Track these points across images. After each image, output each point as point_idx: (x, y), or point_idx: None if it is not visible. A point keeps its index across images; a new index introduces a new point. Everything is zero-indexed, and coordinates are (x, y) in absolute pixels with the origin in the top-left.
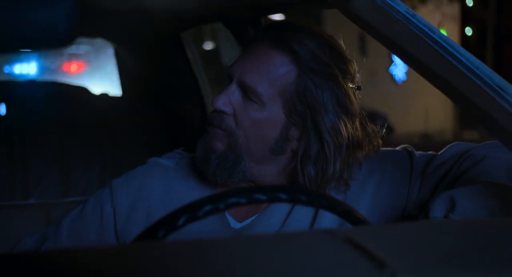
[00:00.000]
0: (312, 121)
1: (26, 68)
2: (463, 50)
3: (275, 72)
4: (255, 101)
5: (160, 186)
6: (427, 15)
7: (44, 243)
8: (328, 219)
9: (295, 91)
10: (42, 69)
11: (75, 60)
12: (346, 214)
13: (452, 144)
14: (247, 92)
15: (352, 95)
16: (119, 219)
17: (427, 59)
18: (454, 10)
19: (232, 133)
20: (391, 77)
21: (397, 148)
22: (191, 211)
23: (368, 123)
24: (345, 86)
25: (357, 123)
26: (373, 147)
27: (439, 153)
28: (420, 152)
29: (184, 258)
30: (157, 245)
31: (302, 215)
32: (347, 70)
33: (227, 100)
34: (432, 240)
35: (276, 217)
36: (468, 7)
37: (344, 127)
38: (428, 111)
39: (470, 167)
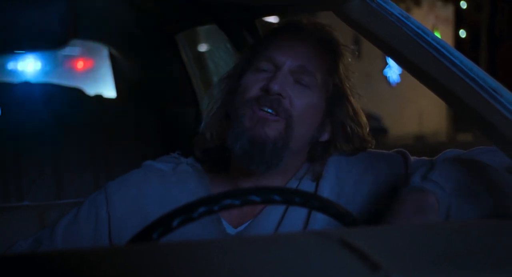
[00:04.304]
0: (342, 111)
1: (28, 66)
2: (456, 52)
3: (327, 62)
4: (308, 85)
5: (157, 192)
6: (421, 18)
7: (39, 248)
8: (321, 222)
9: (334, 82)
10: (47, 67)
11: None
12: (339, 215)
13: (446, 150)
14: (302, 77)
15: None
16: (114, 225)
17: (421, 61)
18: (448, 12)
19: (289, 117)
20: (386, 79)
21: (391, 152)
22: (185, 212)
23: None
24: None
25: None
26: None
27: (434, 158)
28: (414, 157)
29: (178, 259)
30: (152, 247)
31: (295, 219)
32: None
33: (284, 83)
34: (426, 241)
35: (270, 221)
36: (462, 10)
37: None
38: (422, 113)
39: None
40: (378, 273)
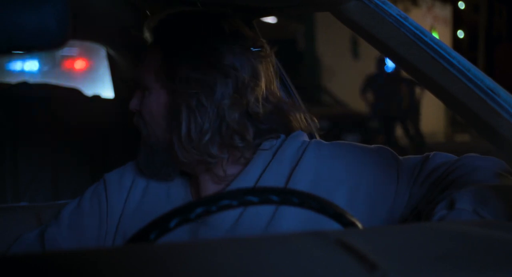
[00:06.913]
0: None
1: (28, 66)
2: (454, 53)
3: (147, 60)
4: (147, 89)
5: (145, 184)
6: (419, 18)
7: (46, 230)
8: (287, 219)
9: (165, 69)
10: (44, 67)
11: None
12: (337, 216)
13: (433, 152)
14: (141, 84)
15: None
16: (111, 214)
17: (418, 62)
18: (446, 13)
19: (149, 122)
20: None
21: (373, 146)
22: (183, 213)
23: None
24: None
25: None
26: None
27: (422, 156)
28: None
29: (176, 260)
30: (149, 247)
31: (255, 216)
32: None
33: (136, 99)
34: (424, 242)
35: (226, 220)
36: (460, 10)
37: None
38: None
39: (467, 174)
40: (375, 274)
